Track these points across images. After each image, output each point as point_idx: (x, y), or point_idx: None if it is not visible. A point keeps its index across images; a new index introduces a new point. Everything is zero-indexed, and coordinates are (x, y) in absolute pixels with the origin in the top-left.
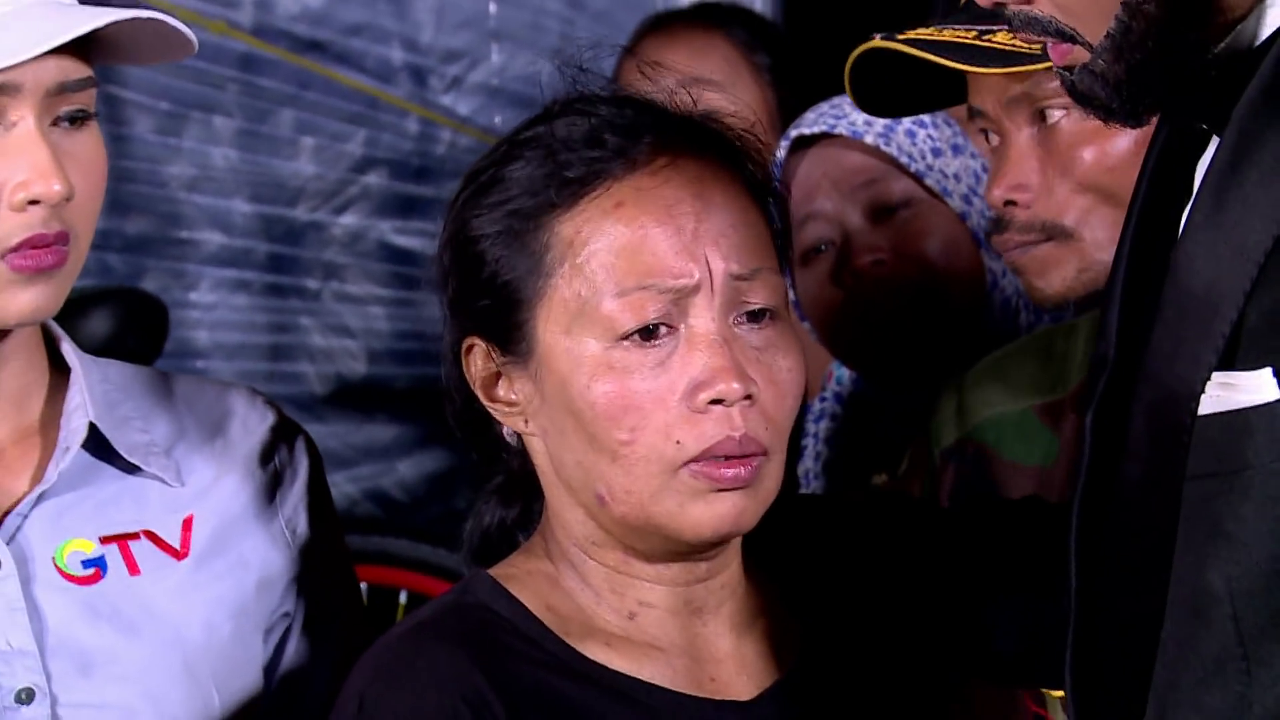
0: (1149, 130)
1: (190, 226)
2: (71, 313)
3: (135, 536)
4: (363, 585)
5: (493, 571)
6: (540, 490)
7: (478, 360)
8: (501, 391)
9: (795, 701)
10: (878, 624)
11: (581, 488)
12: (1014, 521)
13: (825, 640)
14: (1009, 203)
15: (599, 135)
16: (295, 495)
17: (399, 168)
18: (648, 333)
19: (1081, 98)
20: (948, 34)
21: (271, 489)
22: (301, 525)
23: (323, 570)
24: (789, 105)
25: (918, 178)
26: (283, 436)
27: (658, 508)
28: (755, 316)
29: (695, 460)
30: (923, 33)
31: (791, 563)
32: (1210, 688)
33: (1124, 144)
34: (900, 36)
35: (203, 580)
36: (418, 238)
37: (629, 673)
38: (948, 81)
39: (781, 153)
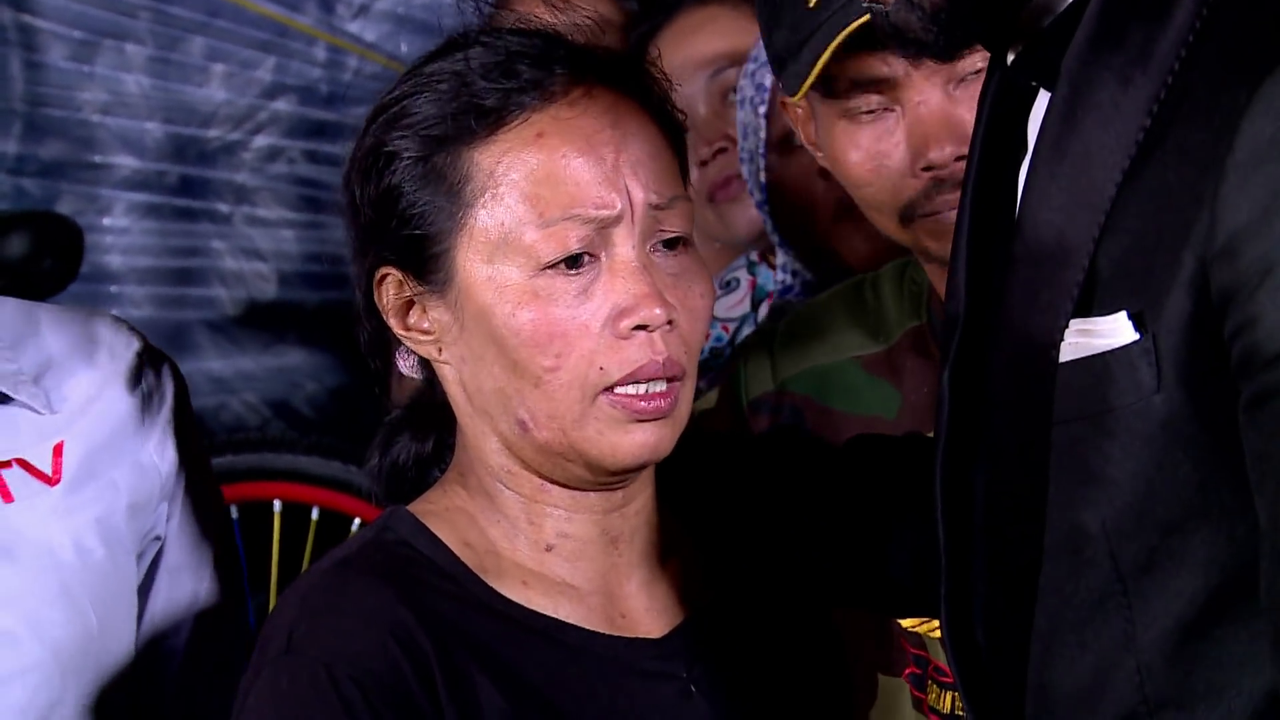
0: None
1: (104, 151)
2: None
3: (7, 464)
4: (276, 502)
5: (412, 508)
6: (451, 422)
7: (390, 289)
8: (414, 319)
9: (703, 638)
10: (779, 560)
11: (501, 415)
12: (904, 454)
13: (731, 578)
14: (960, 158)
15: (512, 66)
16: (162, 419)
17: (307, 93)
18: (572, 261)
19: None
20: None
21: (139, 414)
22: (169, 449)
23: (190, 492)
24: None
25: None
26: (149, 362)
27: (578, 433)
28: (670, 244)
29: (618, 384)
30: None
31: (697, 501)
32: (1093, 624)
33: None
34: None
35: (75, 505)
36: (326, 162)
37: (544, 611)
38: None
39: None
